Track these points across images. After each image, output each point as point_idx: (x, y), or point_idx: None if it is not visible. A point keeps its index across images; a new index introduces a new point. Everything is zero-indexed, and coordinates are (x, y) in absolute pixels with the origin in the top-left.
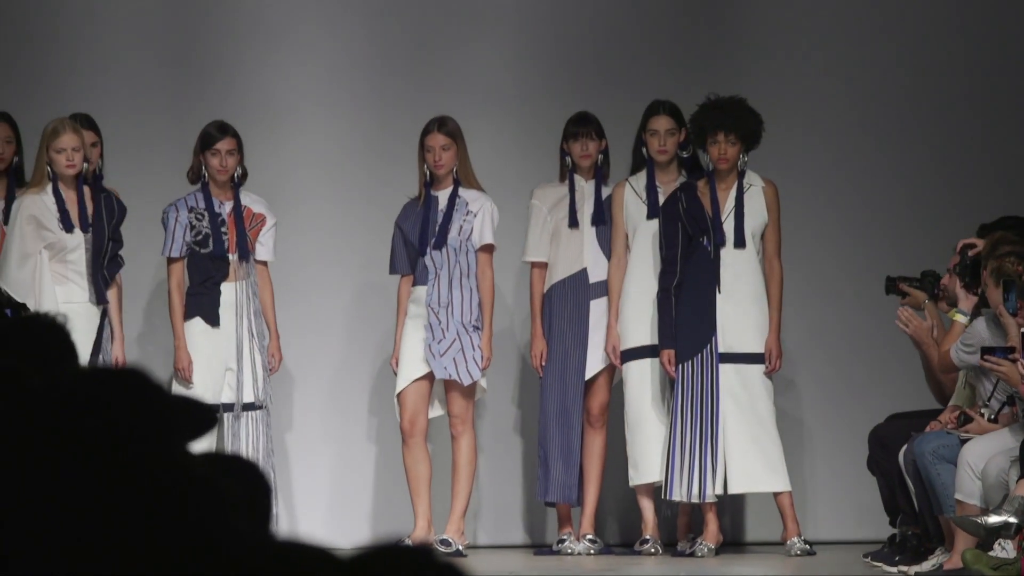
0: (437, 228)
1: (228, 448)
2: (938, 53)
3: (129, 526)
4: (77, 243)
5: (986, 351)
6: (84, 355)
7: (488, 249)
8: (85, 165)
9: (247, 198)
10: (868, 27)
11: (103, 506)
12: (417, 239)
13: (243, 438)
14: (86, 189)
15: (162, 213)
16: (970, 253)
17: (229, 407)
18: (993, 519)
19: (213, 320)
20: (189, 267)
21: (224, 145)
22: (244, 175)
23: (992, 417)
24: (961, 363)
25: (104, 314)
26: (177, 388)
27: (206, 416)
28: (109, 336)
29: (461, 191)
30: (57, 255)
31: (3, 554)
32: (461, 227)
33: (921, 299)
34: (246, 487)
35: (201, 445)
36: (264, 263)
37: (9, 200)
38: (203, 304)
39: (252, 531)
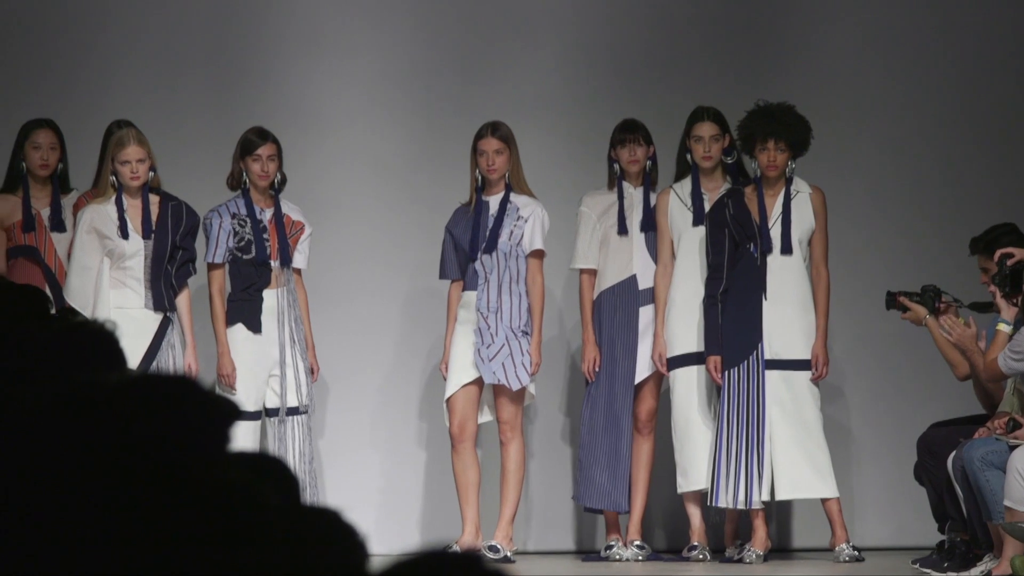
0: (488, 233)
1: (274, 452)
2: (990, 53)
3: (170, 531)
4: (135, 250)
5: None
6: (135, 360)
7: (538, 255)
8: (151, 174)
9: (285, 205)
10: (918, 29)
11: (143, 512)
12: (468, 244)
13: (288, 443)
14: (152, 197)
15: (203, 219)
16: (1008, 263)
17: (273, 412)
18: None
19: (255, 327)
20: (231, 273)
21: (265, 151)
22: (283, 181)
23: None
24: (1010, 371)
25: (165, 321)
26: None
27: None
28: (171, 343)
29: (512, 196)
30: (116, 262)
31: (42, 555)
32: (512, 232)
33: (922, 314)
34: (275, 485)
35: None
36: (298, 271)
37: (55, 206)
38: (245, 311)
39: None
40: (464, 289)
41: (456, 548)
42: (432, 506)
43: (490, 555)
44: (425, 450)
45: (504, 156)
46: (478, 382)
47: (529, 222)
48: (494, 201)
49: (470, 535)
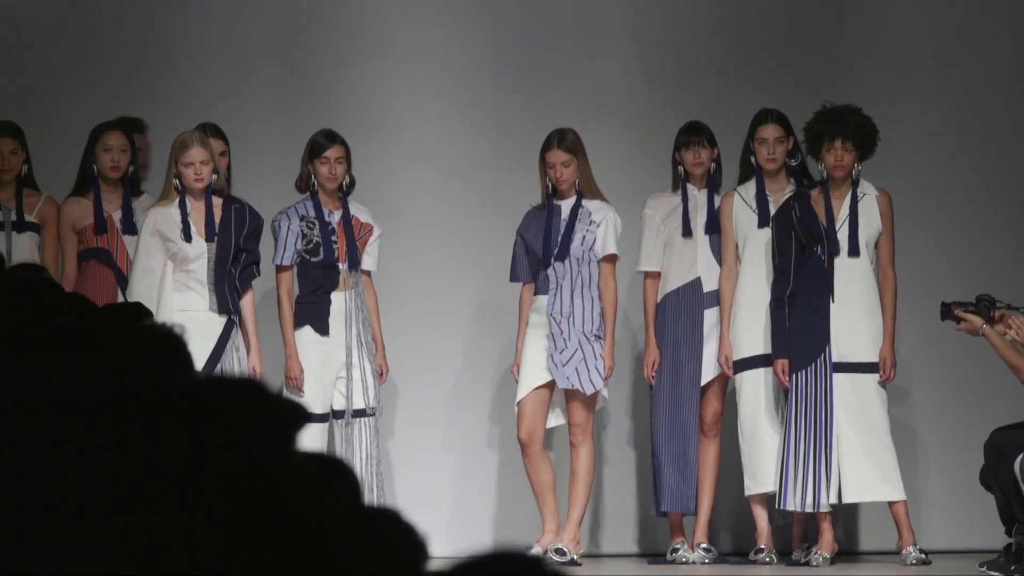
0: (560, 238)
1: (341, 454)
2: None
3: (229, 532)
4: (199, 253)
5: None
6: (200, 363)
7: (611, 259)
8: (214, 176)
9: (354, 207)
10: (984, 30)
11: (207, 514)
12: (540, 249)
13: (355, 444)
14: (216, 200)
15: (272, 221)
16: None
17: (340, 414)
18: None
19: (323, 329)
20: (299, 276)
21: (333, 153)
22: (352, 183)
23: None
24: None
25: (229, 324)
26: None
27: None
28: (236, 345)
29: (584, 201)
30: (179, 265)
31: (101, 552)
32: (584, 237)
33: (978, 324)
34: (336, 485)
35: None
36: (368, 273)
37: (126, 208)
38: (312, 313)
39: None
40: (536, 293)
41: (538, 549)
42: (505, 508)
43: (557, 558)
44: (498, 452)
45: (572, 167)
46: (549, 385)
47: (602, 227)
48: (566, 206)
49: (551, 533)
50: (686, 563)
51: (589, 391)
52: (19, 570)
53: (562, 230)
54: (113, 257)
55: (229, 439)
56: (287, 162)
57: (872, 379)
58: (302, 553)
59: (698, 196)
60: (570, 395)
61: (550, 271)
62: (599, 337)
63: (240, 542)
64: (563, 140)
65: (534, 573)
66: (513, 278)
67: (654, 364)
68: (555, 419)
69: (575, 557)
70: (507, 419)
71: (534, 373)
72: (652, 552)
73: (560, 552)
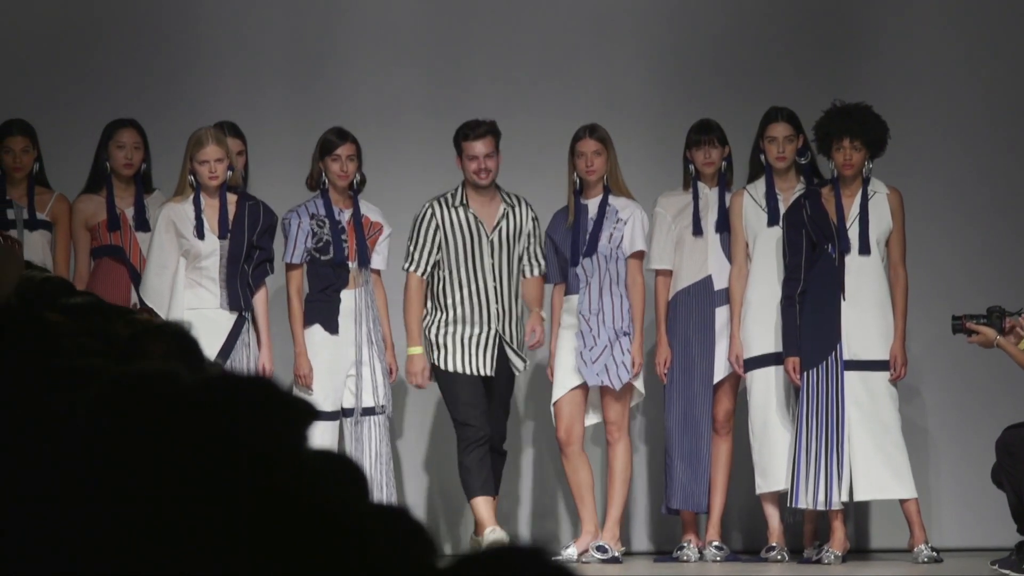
0: (588, 236)
1: (351, 453)
2: None
3: (239, 529)
4: (211, 250)
5: None
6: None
7: (638, 256)
8: (229, 173)
9: (364, 206)
10: (997, 29)
11: (217, 510)
12: (568, 249)
13: (364, 443)
14: (230, 197)
15: (282, 219)
16: None
17: (350, 412)
18: None
19: (333, 328)
20: (309, 274)
21: (344, 150)
22: (363, 182)
23: None
24: None
25: (239, 321)
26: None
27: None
28: (246, 343)
29: (611, 199)
30: (192, 262)
31: (109, 545)
32: (611, 235)
33: (992, 336)
34: (343, 483)
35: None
36: (377, 272)
37: (139, 206)
38: (322, 311)
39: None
40: (566, 293)
41: (573, 550)
42: (511, 505)
43: (598, 555)
44: (533, 451)
45: (603, 157)
46: (584, 385)
47: (628, 224)
48: (593, 204)
49: (589, 534)
50: (687, 561)
51: (618, 386)
52: (23, 568)
53: (590, 228)
54: (126, 254)
55: (239, 436)
56: (299, 160)
57: (883, 377)
58: (310, 550)
59: (709, 195)
60: (604, 393)
61: (579, 269)
62: (627, 334)
63: (249, 539)
64: (595, 131)
65: (537, 566)
66: (546, 279)
67: (666, 362)
68: (591, 418)
69: (617, 554)
70: (541, 418)
71: (568, 374)
72: (667, 549)
73: (602, 549)
